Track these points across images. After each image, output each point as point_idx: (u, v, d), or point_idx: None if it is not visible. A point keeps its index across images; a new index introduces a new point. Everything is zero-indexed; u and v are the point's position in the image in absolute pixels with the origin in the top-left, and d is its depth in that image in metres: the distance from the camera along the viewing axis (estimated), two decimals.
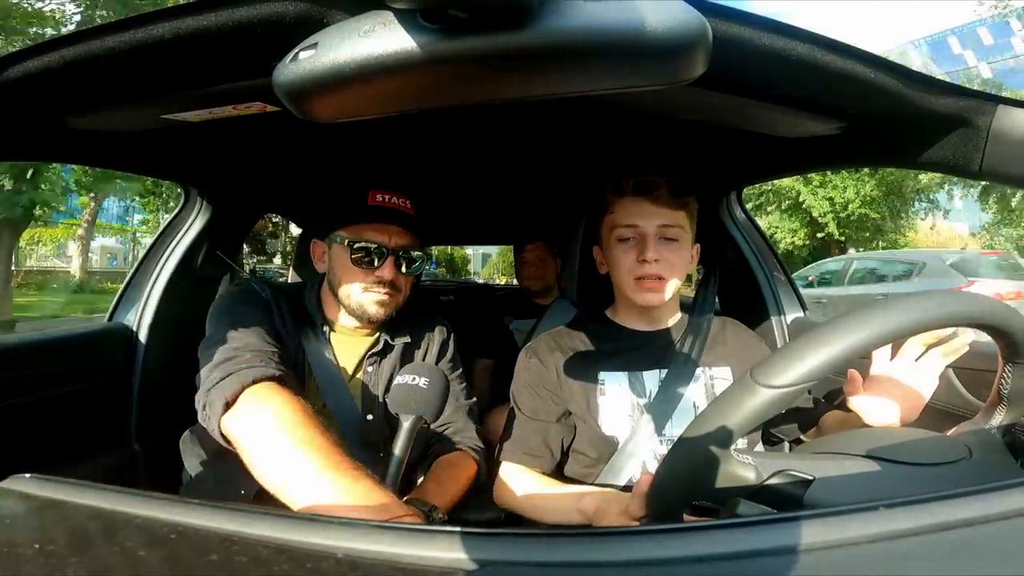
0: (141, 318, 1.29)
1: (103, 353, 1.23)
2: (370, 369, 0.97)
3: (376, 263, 0.93)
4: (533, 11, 0.32)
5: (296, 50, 0.37)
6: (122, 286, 1.35)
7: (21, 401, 1.01)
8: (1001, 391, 0.56)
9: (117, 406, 1.20)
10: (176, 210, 1.39)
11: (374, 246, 0.93)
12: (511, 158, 1.38)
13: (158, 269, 1.33)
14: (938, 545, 0.34)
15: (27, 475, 0.44)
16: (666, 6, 0.33)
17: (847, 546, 0.33)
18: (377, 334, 1.01)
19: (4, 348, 1.05)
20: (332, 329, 1.00)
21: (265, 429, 0.66)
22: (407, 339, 1.02)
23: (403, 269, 0.96)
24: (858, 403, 0.75)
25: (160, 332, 1.29)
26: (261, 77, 0.43)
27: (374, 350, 0.99)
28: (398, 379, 0.77)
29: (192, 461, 0.94)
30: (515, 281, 2.28)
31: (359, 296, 0.94)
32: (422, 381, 0.75)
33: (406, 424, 0.73)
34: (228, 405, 0.70)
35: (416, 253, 0.98)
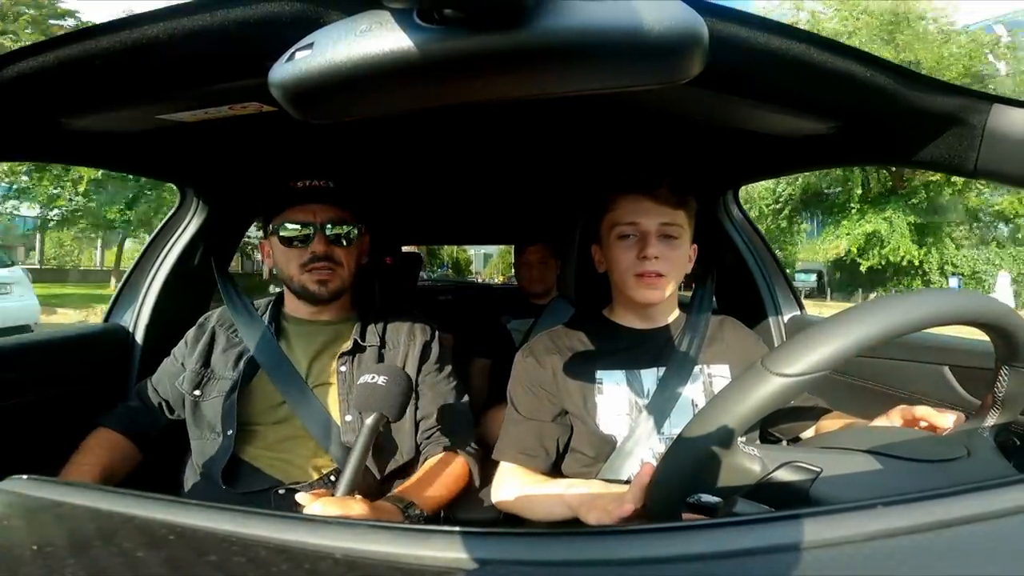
0: (137, 319, 1.29)
1: (100, 354, 1.23)
2: (343, 369, 0.98)
3: (306, 241, 0.97)
4: (529, 10, 0.32)
5: (292, 50, 0.37)
6: (118, 287, 1.35)
7: (18, 402, 1.01)
8: (996, 393, 0.56)
9: (113, 406, 1.20)
10: (172, 210, 1.39)
11: (301, 225, 0.97)
12: (509, 158, 1.38)
13: (154, 270, 1.33)
14: (934, 543, 0.34)
15: (24, 476, 0.44)
16: (663, 5, 0.33)
17: (844, 544, 0.33)
18: (347, 331, 1.02)
19: (1, 350, 1.04)
20: (289, 325, 1.03)
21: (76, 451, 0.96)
22: (378, 339, 1.02)
23: (343, 243, 0.99)
24: None
25: (156, 333, 1.29)
26: (257, 77, 0.43)
27: (345, 350, 0.99)
28: (360, 379, 0.81)
29: (192, 472, 0.96)
30: (511, 280, 2.28)
31: (300, 276, 0.98)
32: (381, 379, 0.79)
33: (368, 421, 0.75)
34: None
35: (350, 227, 1.00)
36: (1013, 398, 0.55)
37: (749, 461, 0.49)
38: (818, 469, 0.48)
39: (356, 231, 1.01)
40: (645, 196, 0.88)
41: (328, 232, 0.97)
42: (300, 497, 0.69)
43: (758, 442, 0.95)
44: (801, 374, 0.44)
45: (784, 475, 0.49)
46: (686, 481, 0.50)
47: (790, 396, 0.45)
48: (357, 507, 0.68)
